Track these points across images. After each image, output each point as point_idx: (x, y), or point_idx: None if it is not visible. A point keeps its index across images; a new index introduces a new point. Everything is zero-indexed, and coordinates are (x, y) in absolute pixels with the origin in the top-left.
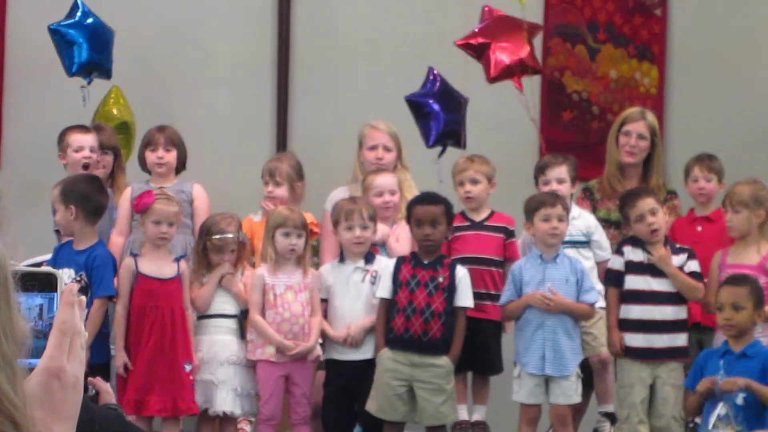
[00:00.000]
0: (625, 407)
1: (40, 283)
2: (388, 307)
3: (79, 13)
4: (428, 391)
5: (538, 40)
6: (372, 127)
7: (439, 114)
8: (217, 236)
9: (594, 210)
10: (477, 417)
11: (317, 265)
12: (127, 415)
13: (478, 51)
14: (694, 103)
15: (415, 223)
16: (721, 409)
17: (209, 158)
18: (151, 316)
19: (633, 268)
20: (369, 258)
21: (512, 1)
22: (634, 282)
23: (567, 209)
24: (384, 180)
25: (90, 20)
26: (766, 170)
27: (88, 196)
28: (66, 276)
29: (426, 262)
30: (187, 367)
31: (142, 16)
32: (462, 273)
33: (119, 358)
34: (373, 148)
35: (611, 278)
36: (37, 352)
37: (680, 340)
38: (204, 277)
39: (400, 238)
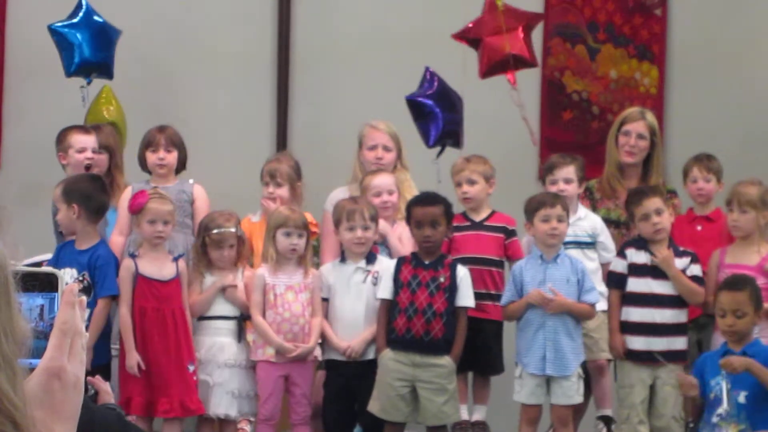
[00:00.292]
0: (625, 407)
1: (41, 283)
2: (389, 308)
3: (81, 13)
4: (430, 391)
5: (538, 40)
6: (372, 127)
7: (440, 114)
8: (216, 231)
9: (593, 209)
10: (477, 417)
11: (317, 266)
12: (131, 415)
13: (473, 44)
14: (694, 103)
15: (414, 224)
16: (722, 409)
17: (209, 158)
18: (153, 317)
19: (635, 270)
20: (370, 258)
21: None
22: (635, 284)
23: (567, 210)
24: (381, 180)
25: (93, 20)
26: (766, 170)
27: (90, 195)
28: (68, 276)
29: (427, 262)
30: (191, 368)
31: (141, 16)
32: (463, 273)
33: (131, 358)
34: (373, 148)
35: (613, 281)
36: (38, 353)
37: (679, 343)
38: (203, 276)
39: (403, 238)
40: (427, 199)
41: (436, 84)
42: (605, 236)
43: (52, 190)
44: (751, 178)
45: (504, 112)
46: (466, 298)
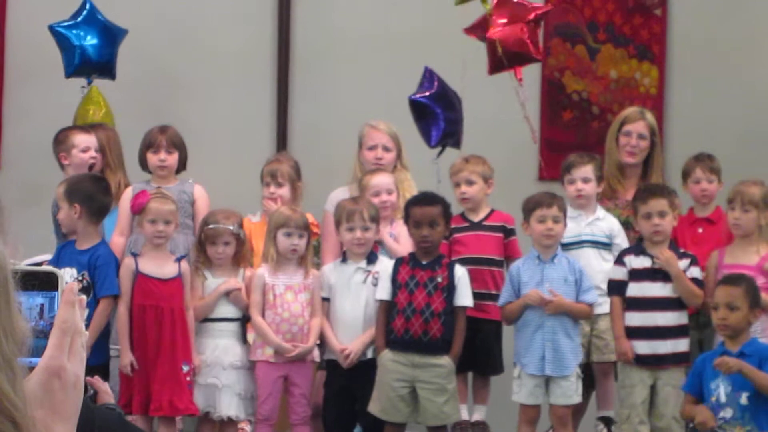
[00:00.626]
0: (625, 407)
1: (41, 282)
2: (387, 308)
3: (85, 13)
4: (430, 392)
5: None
6: (372, 127)
7: (441, 114)
8: (211, 225)
9: None
10: (477, 417)
11: (318, 266)
12: (134, 414)
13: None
14: (694, 103)
15: (413, 224)
16: (725, 412)
17: (209, 158)
18: (151, 315)
19: (633, 275)
20: (371, 258)
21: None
22: (634, 289)
23: (564, 211)
24: (380, 180)
25: (97, 20)
26: (766, 170)
27: (93, 195)
28: (68, 275)
29: (424, 262)
30: (185, 368)
31: (141, 16)
32: (461, 272)
33: (125, 357)
34: (373, 148)
35: (613, 288)
36: (38, 352)
37: (682, 345)
38: (204, 277)
39: (401, 238)
40: (425, 199)
41: (435, 84)
42: (622, 238)
43: (53, 190)
44: (753, 178)
45: (504, 112)
46: (464, 297)
